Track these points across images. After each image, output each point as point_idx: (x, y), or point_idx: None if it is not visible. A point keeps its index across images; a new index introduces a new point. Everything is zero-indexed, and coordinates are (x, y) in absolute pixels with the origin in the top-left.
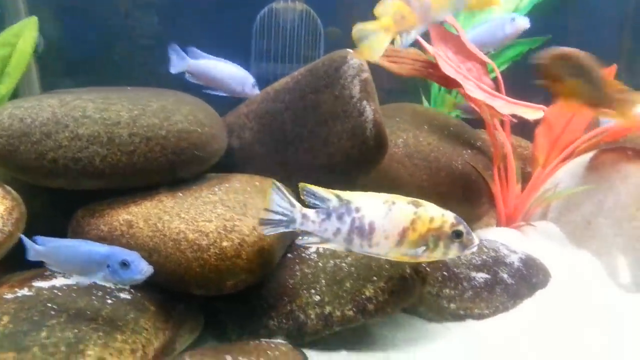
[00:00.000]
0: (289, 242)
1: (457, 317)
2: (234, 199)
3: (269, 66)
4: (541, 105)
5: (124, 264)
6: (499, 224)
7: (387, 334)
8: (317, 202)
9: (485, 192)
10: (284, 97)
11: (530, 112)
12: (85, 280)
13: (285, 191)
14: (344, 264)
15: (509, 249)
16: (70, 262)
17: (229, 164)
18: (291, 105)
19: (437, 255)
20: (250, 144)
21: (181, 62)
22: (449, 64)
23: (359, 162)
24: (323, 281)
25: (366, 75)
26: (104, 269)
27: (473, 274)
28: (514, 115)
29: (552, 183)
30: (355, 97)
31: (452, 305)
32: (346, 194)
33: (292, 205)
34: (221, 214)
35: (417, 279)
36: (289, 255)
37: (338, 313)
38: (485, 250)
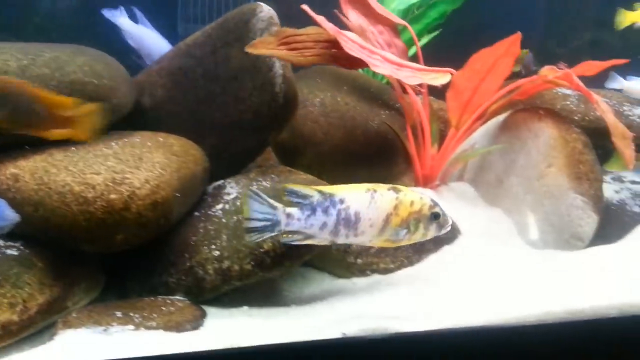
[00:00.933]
0: (196, 200)
1: (364, 272)
2: (130, 152)
3: (197, 28)
4: (449, 69)
5: None
6: (416, 184)
7: (295, 290)
8: (299, 200)
9: (402, 152)
10: (195, 52)
11: (438, 77)
12: None
13: (262, 195)
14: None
15: None
16: None
17: (142, 124)
18: (202, 60)
19: (417, 237)
20: (162, 102)
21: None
22: (353, 41)
23: (269, 118)
24: (224, 237)
25: (276, 28)
26: None
27: None
28: None
29: (469, 144)
30: None
31: (359, 261)
32: (327, 188)
33: (274, 208)
34: (111, 167)
35: None
36: (196, 213)
37: (236, 267)
38: None
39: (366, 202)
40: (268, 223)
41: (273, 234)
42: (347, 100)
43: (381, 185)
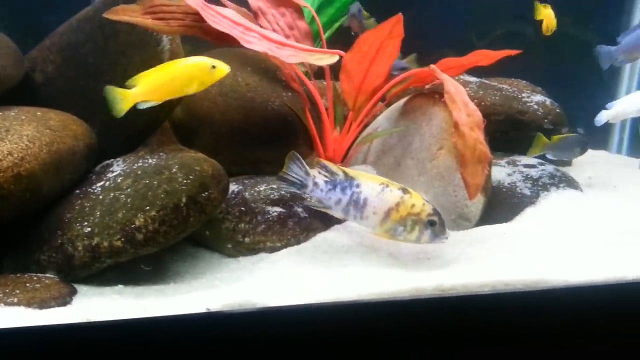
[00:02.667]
0: (76, 176)
1: (252, 250)
2: None
3: None
4: (337, 50)
5: None
6: None
7: (180, 269)
8: (326, 174)
9: (303, 135)
10: (85, 26)
11: (325, 58)
12: None
13: (302, 161)
14: (122, 196)
15: None
16: None
17: (32, 100)
18: (92, 35)
19: (412, 237)
20: (53, 78)
21: None
22: (224, 16)
23: None
24: (98, 213)
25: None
26: None
27: (268, 208)
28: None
29: (374, 127)
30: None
31: (247, 239)
32: (352, 172)
33: (307, 174)
34: None
35: (195, 209)
36: (77, 191)
37: (105, 244)
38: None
39: (375, 192)
40: (298, 182)
41: (297, 192)
42: (248, 81)
43: (395, 183)
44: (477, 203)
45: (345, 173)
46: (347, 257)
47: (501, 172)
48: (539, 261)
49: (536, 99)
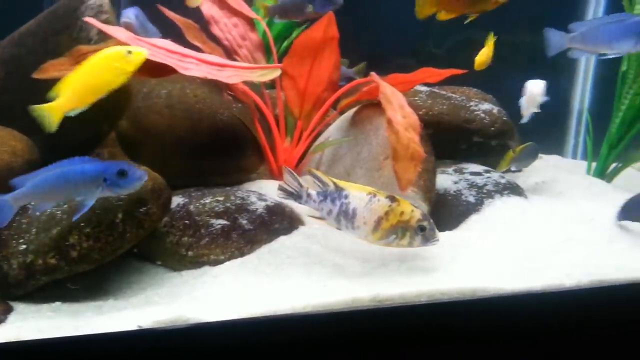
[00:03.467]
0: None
1: (196, 264)
2: None
3: None
4: (278, 65)
5: (122, 174)
6: (272, 176)
7: (122, 284)
8: (319, 185)
9: (252, 145)
10: (27, 40)
11: (267, 73)
12: (48, 205)
13: (295, 174)
14: (58, 212)
15: (262, 198)
16: (61, 189)
17: None
18: (34, 48)
19: (404, 243)
20: None
21: None
22: (159, 47)
23: (99, 109)
24: (34, 230)
25: (105, 16)
26: (101, 184)
27: (213, 220)
28: None
29: (326, 137)
30: (92, 39)
31: (190, 253)
32: (342, 183)
33: (301, 186)
34: None
35: (132, 224)
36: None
37: (40, 261)
38: (232, 198)
39: (364, 203)
40: (294, 193)
41: (295, 202)
42: (197, 93)
43: (383, 192)
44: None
45: (335, 184)
46: (291, 269)
47: (447, 180)
48: (478, 269)
49: (484, 107)
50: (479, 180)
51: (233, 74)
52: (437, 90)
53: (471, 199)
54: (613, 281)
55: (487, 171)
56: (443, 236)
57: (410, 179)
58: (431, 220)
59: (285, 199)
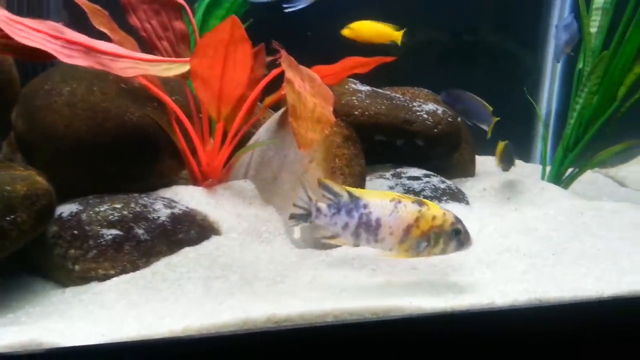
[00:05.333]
0: None
1: (83, 279)
2: None
3: None
4: (187, 59)
5: None
6: (193, 182)
7: (9, 302)
8: (330, 197)
9: (169, 148)
10: None
11: (174, 68)
12: None
13: (306, 186)
14: None
15: (170, 205)
16: None
17: None
18: None
19: (436, 251)
20: None
21: None
22: (38, 30)
23: None
24: None
25: None
26: None
27: (103, 231)
28: None
29: (255, 139)
30: None
31: (77, 267)
32: (357, 191)
33: (310, 200)
34: None
35: (15, 233)
36: None
37: None
38: (133, 205)
39: (388, 211)
40: (304, 212)
41: (306, 223)
42: (106, 90)
43: (407, 196)
44: None
45: (349, 193)
46: (190, 285)
47: (383, 185)
48: (397, 285)
49: (427, 107)
50: (416, 185)
51: (130, 66)
52: (379, 90)
53: None
54: (554, 300)
55: (426, 175)
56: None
57: (313, 139)
58: (463, 223)
59: (297, 224)
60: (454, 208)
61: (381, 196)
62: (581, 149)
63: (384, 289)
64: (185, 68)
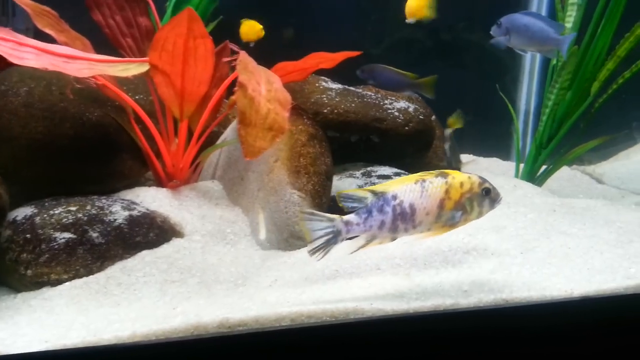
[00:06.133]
0: None
1: (36, 284)
2: None
3: None
4: (146, 59)
5: None
6: (158, 183)
7: None
8: (355, 205)
9: (131, 149)
10: None
11: (132, 68)
12: None
13: (317, 213)
14: None
15: (129, 207)
16: None
17: None
18: None
19: (473, 216)
20: None
21: None
22: None
23: None
24: None
25: None
26: None
27: (57, 234)
28: None
29: (223, 138)
30: None
31: (29, 272)
32: (379, 187)
33: (331, 220)
34: None
35: None
36: None
37: None
38: (88, 208)
39: (418, 193)
40: (330, 236)
41: (337, 244)
42: (65, 90)
43: (429, 172)
44: None
45: (373, 192)
46: (145, 289)
47: (352, 184)
48: (360, 286)
49: (399, 105)
50: None
51: (85, 67)
52: (351, 88)
53: None
54: (522, 301)
55: (397, 174)
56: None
57: (261, 147)
58: (488, 180)
59: (326, 253)
60: None
61: (405, 181)
62: (555, 146)
63: (346, 290)
64: (144, 68)
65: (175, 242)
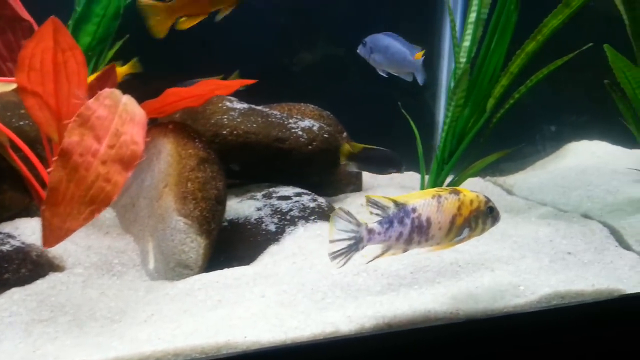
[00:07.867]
0: None
1: None
2: None
3: None
4: (12, 78)
5: None
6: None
7: None
8: (379, 212)
9: (10, 176)
10: None
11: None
12: None
13: (351, 214)
14: None
15: (2, 241)
16: None
17: None
18: None
19: (477, 233)
20: None
21: None
22: None
23: None
24: None
25: None
26: None
27: None
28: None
29: None
30: None
31: None
32: (400, 198)
33: (359, 225)
34: None
35: None
36: None
37: None
38: None
39: (435, 207)
40: (352, 242)
41: (357, 252)
42: None
43: (443, 189)
44: (197, 247)
45: (395, 202)
46: (8, 331)
47: (251, 207)
48: (240, 317)
49: (303, 124)
50: (284, 205)
51: None
52: (257, 108)
53: (272, 228)
54: (405, 323)
55: (297, 194)
56: (216, 275)
57: (70, 228)
58: (490, 199)
59: (347, 260)
60: (320, 228)
61: (423, 195)
62: (455, 161)
63: (224, 321)
64: (10, 87)
65: (51, 277)
